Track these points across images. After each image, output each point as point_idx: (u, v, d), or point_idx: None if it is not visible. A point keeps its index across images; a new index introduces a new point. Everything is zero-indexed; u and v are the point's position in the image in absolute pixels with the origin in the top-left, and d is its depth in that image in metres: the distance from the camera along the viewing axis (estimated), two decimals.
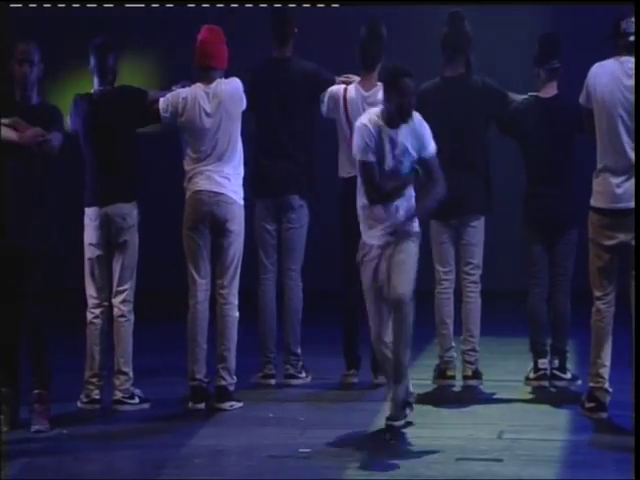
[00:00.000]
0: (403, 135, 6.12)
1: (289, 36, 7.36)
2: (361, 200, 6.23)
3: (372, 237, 6.19)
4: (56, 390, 6.46)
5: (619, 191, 6.36)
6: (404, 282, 6.02)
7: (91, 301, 6.82)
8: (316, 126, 7.43)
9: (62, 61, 9.11)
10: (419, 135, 6.14)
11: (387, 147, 6.09)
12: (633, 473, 5.30)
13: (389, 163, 6.11)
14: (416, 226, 6.19)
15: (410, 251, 6.09)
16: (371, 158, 6.10)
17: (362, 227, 6.25)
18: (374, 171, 6.11)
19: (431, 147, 6.19)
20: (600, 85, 6.41)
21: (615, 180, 6.37)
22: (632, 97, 6.35)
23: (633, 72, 6.29)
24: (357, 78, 7.24)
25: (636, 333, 5.73)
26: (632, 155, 6.34)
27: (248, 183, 7.06)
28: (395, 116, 6.09)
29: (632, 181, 6.34)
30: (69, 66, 9.28)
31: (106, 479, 5.72)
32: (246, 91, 6.88)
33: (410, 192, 6.20)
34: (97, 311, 6.81)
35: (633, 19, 6.44)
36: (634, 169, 5.75)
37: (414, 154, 6.14)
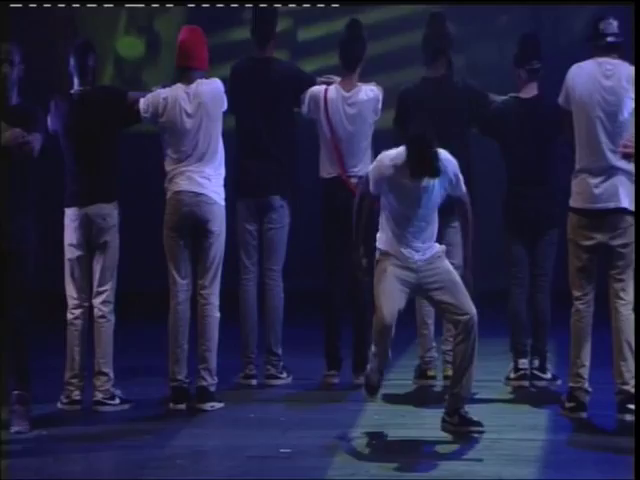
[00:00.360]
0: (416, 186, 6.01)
1: (269, 36, 7.36)
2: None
3: (400, 246, 6.09)
4: (36, 391, 6.44)
5: (597, 191, 6.40)
6: (470, 302, 6.07)
7: (71, 302, 6.81)
8: (297, 127, 7.44)
9: None
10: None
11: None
12: (633, 473, 5.32)
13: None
14: (440, 247, 6.20)
15: (451, 270, 6.12)
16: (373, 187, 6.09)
17: (386, 239, 6.12)
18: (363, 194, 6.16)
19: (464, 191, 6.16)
20: (579, 86, 6.45)
21: (593, 181, 6.41)
22: (610, 98, 6.39)
23: (636, 74, 6.32)
24: (338, 79, 7.25)
25: (636, 333, 5.75)
26: (610, 156, 6.38)
27: (229, 183, 7.06)
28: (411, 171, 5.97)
29: (610, 182, 6.38)
30: None
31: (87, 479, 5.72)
32: (226, 91, 6.89)
33: (436, 227, 6.17)
34: (77, 312, 6.80)
35: (612, 20, 6.47)
36: (634, 170, 5.77)
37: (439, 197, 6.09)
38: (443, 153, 6.05)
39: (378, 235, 6.20)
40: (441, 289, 6.10)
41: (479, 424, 6.12)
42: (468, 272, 6.24)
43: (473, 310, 6.10)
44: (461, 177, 6.19)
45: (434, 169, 5.90)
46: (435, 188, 6.06)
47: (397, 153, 6.06)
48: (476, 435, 6.09)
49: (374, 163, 6.20)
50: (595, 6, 8.01)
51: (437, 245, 6.23)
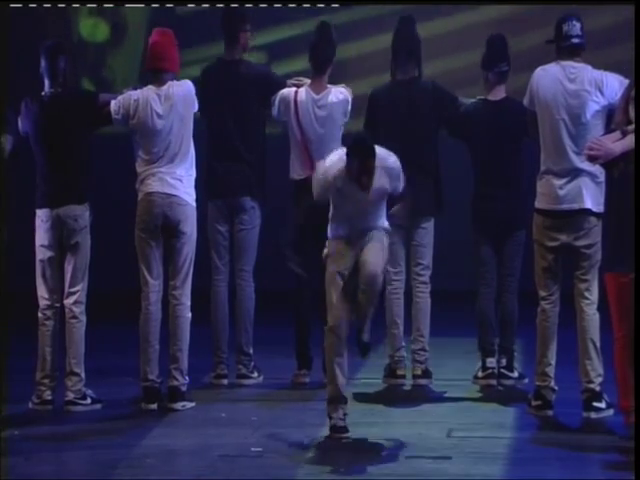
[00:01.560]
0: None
1: (239, 38, 7.39)
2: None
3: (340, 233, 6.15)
4: (7, 391, 6.45)
5: (561, 193, 6.48)
6: (377, 259, 6.03)
7: (42, 302, 6.83)
8: (267, 128, 7.48)
9: None
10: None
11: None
12: (633, 473, 5.38)
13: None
14: (385, 223, 6.20)
15: (380, 239, 6.10)
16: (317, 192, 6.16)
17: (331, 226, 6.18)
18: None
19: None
20: (543, 89, 6.53)
21: (558, 182, 6.49)
22: (574, 101, 6.47)
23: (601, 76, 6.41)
24: (308, 81, 7.30)
25: (636, 334, 5.83)
26: (574, 158, 6.47)
27: (200, 185, 7.09)
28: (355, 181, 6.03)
29: (574, 183, 6.47)
30: None
31: (58, 479, 5.74)
32: (197, 93, 6.92)
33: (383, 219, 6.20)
34: (49, 312, 6.82)
35: (575, 22, 6.55)
36: (634, 171, 5.84)
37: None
38: (390, 160, 6.08)
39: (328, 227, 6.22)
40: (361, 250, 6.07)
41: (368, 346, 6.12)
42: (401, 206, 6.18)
43: (378, 269, 6.03)
44: (402, 182, 6.18)
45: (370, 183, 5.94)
46: (379, 192, 6.08)
47: (338, 159, 6.08)
48: (426, 431, 6.10)
49: (316, 175, 6.19)
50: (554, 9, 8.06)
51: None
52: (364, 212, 6.14)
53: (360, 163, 5.94)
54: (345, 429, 6.09)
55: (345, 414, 6.12)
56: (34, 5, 10.06)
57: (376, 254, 6.07)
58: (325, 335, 6.15)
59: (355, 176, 5.98)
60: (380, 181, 6.05)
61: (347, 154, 6.00)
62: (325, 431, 6.23)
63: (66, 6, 10.32)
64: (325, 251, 6.23)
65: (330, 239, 6.22)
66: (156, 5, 10.04)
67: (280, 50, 9.95)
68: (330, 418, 6.12)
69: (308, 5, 9.97)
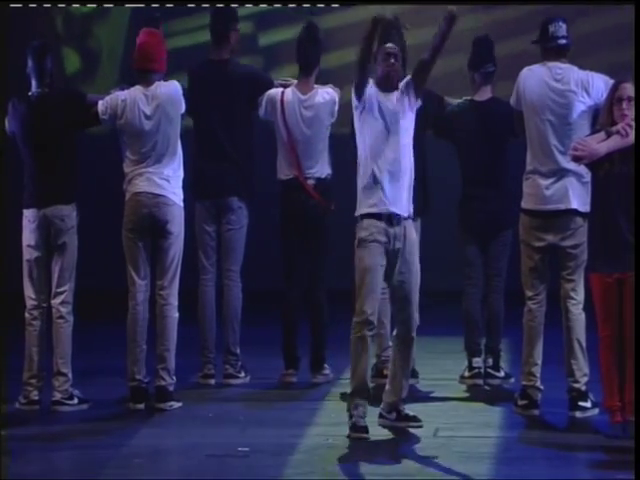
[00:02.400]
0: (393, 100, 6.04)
1: (227, 37, 7.39)
2: (362, 181, 6.08)
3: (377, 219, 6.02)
4: (7, 390, 6.44)
5: (548, 193, 6.51)
6: (417, 311, 6.14)
7: (29, 302, 6.83)
8: (255, 128, 7.49)
9: None
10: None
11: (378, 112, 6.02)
12: (633, 473, 5.41)
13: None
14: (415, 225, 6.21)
15: (417, 265, 6.12)
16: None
17: (364, 205, 6.04)
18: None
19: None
20: (529, 89, 6.56)
21: (544, 182, 6.52)
22: (560, 101, 6.51)
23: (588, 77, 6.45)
24: (295, 81, 7.31)
25: (636, 334, 5.87)
26: (560, 158, 6.50)
27: (188, 185, 7.10)
28: (381, 84, 6.04)
29: (561, 183, 6.50)
30: None
31: (46, 479, 5.74)
32: (184, 93, 6.93)
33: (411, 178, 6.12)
34: (36, 312, 6.82)
35: (561, 23, 6.58)
36: (634, 171, 5.88)
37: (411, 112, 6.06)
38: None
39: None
40: (401, 283, 6.08)
41: (417, 419, 6.19)
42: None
43: (417, 315, 6.15)
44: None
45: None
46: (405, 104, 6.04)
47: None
48: (412, 430, 6.15)
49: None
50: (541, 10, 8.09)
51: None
52: (396, 149, 5.98)
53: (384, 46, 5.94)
54: (365, 429, 6.04)
55: (365, 412, 6.06)
56: (34, 5, 10.04)
57: (415, 295, 6.11)
58: (355, 328, 6.04)
59: (382, 58, 5.94)
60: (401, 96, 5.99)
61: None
62: (312, 430, 6.25)
63: (66, 6, 10.29)
64: (360, 235, 6.04)
65: (362, 219, 6.05)
66: (156, 5, 10.04)
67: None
68: (350, 416, 6.07)
69: (308, 5, 9.97)
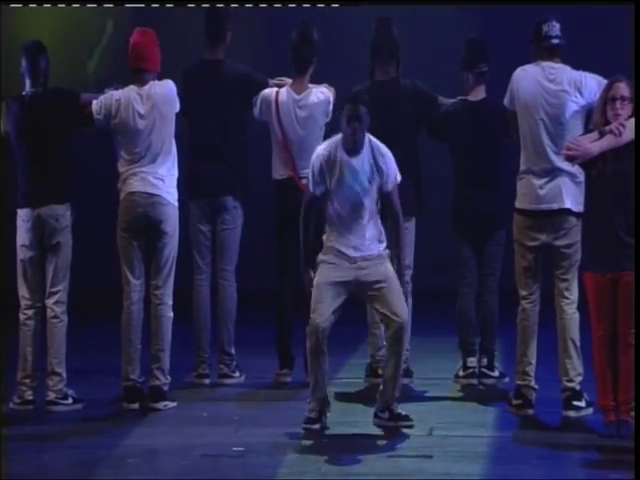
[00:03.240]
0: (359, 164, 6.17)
1: (221, 37, 7.39)
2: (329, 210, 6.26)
3: (340, 245, 6.21)
4: (6, 391, 6.44)
5: (541, 192, 6.52)
6: (404, 307, 6.18)
7: (24, 302, 6.83)
8: (249, 128, 7.49)
9: None
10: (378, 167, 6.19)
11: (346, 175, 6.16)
12: (633, 474, 5.42)
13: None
14: (385, 249, 6.28)
15: (391, 274, 6.19)
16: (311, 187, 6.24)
17: (333, 235, 6.22)
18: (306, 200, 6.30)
19: (397, 174, 6.26)
20: (522, 89, 6.57)
21: (537, 182, 6.53)
22: (553, 101, 6.52)
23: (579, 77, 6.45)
24: (290, 81, 7.31)
25: (636, 334, 5.87)
26: (553, 157, 6.51)
27: (182, 185, 7.10)
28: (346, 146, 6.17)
29: (554, 183, 6.51)
30: None
31: (40, 479, 5.74)
32: (178, 94, 6.93)
33: (378, 224, 6.26)
34: (30, 312, 6.82)
35: (555, 23, 6.59)
36: (634, 171, 5.89)
37: (372, 185, 6.18)
38: (383, 147, 6.22)
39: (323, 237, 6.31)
40: (378, 290, 6.16)
41: (408, 419, 6.23)
42: (402, 280, 6.28)
43: (405, 315, 6.17)
44: (395, 176, 6.27)
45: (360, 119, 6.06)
46: (365, 169, 6.14)
47: (329, 141, 6.25)
48: (407, 430, 6.18)
49: (311, 162, 6.29)
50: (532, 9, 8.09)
51: (382, 247, 6.29)
52: (358, 207, 6.11)
53: (351, 107, 6.08)
54: (313, 420, 6.18)
55: (315, 407, 6.19)
56: (34, 5, 10.02)
57: (399, 297, 6.15)
58: (308, 336, 6.17)
59: (346, 121, 6.05)
60: (370, 157, 6.13)
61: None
62: (307, 431, 6.25)
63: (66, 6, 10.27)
64: (320, 257, 6.25)
65: (325, 250, 6.25)
66: (156, 5, 10.02)
67: None
68: (307, 410, 6.21)
69: (308, 5, 9.98)
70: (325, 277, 6.19)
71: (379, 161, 6.22)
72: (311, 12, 9.75)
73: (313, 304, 6.17)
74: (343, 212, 6.21)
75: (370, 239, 6.24)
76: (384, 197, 6.29)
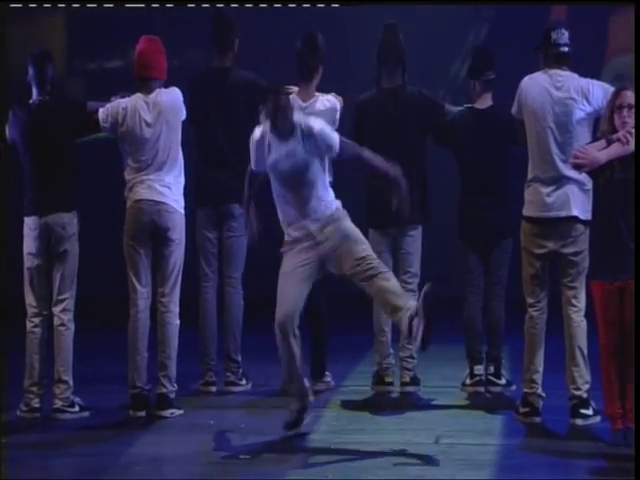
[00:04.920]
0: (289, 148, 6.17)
1: (229, 45, 7.40)
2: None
3: (294, 230, 6.22)
4: (7, 398, 6.45)
5: (549, 200, 6.51)
6: (367, 248, 6.13)
7: (31, 310, 6.84)
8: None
9: None
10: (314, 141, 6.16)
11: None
12: (634, 474, 5.43)
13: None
14: (336, 208, 6.22)
15: (349, 227, 6.16)
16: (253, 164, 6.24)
17: (282, 223, 6.27)
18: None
19: (334, 144, 6.18)
20: (530, 97, 6.57)
21: (545, 190, 6.53)
22: (561, 109, 6.52)
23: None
24: (296, 89, 7.32)
25: (636, 341, 5.87)
26: (561, 165, 6.50)
27: (189, 192, 7.11)
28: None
29: (562, 191, 6.51)
30: None
31: None
32: (185, 102, 6.94)
33: (322, 193, 6.21)
34: (37, 320, 6.82)
35: (564, 30, 6.59)
36: (632, 168, 5.88)
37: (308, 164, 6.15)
38: (312, 127, 6.18)
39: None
40: (339, 255, 6.12)
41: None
42: (404, 203, 6.17)
43: (376, 262, 6.11)
44: (334, 139, 6.18)
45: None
46: (298, 151, 6.14)
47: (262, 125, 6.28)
48: (414, 438, 6.19)
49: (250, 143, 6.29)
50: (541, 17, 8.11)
51: (334, 206, 6.23)
52: (296, 186, 6.13)
53: (274, 100, 6.12)
54: (295, 425, 6.21)
55: (298, 407, 6.22)
56: (34, 5, 10.03)
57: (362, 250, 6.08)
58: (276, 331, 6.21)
59: (271, 115, 6.11)
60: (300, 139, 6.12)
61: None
62: (313, 438, 6.25)
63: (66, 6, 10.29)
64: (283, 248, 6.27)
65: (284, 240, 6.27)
66: (156, 5, 10.02)
67: None
68: (289, 413, 6.24)
69: (308, 5, 9.98)
70: (286, 266, 6.20)
71: (310, 141, 6.16)
72: (311, 12, 9.77)
73: (277, 296, 6.20)
74: (282, 191, 6.20)
75: (314, 205, 6.16)
76: (341, 158, 6.23)
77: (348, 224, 6.22)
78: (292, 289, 6.12)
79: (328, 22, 9.52)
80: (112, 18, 9.12)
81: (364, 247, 6.17)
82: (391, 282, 6.12)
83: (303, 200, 6.18)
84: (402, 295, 6.15)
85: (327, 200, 6.24)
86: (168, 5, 10.03)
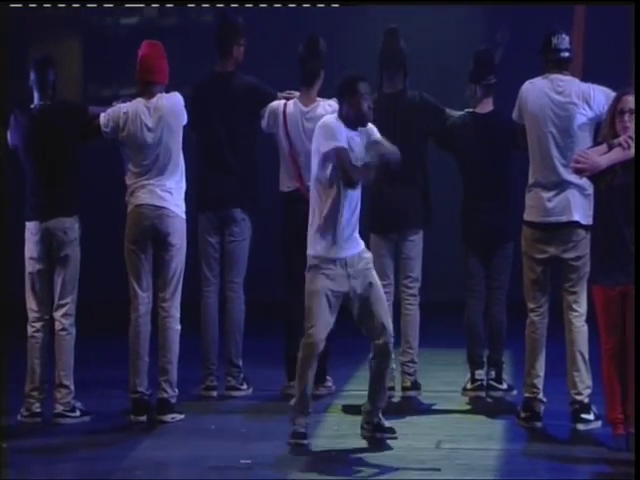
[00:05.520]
0: (359, 141, 6.17)
1: (231, 50, 7.40)
2: (324, 210, 6.19)
3: (335, 251, 6.18)
4: (7, 402, 6.44)
5: (550, 205, 6.51)
6: (390, 323, 6.20)
7: (32, 315, 6.83)
8: (258, 141, 7.50)
9: None
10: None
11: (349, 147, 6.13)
12: (634, 474, 5.44)
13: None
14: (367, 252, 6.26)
15: (379, 286, 6.20)
16: (343, 143, 6.12)
17: (320, 241, 6.20)
18: (348, 155, 6.10)
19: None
20: (531, 102, 6.57)
21: (546, 194, 6.53)
22: (562, 114, 6.52)
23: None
24: (298, 94, 7.32)
25: (636, 338, 5.88)
26: (562, 170, 6.51)
27: (191, 197, 7.11)
28: (354, 120, 6.16)
29: (563, 195, 6.51)
30: None
31: None
32: (187, 106, 6.94)
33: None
34: (38, 325, 6.82)
35: (564, 35, 6.59)
36: (633, 173, 5.89)
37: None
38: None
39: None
40: (365, 301, 6.15)
41: (392, 431, 6.24)
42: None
43: (391, 330, 6.19)
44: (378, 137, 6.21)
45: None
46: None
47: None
48: (415, 442, 6.19)
49: (322, 132, 6.16)
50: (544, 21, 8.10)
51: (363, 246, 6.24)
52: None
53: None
54: (304, 435, 6.16)
55: (307, 423, 6.19)
56: (34, 5, 10.04)
57: (386, 312, 6.18)
58: (303, 348, 6.18)
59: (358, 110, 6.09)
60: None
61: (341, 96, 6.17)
62: (314, 443, 6.25)
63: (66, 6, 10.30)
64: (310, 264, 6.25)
65: (314, 254, 6.24)
66: (156, 5, 10.02)
67: None
68: (293, 424, 6.18)
69: (308, 5, 9.98)
70: (321, 285, 6.15)
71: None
72: (311, 12, 9.78)
73: (312, 314, 6.15)
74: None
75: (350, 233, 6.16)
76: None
77: (374, 272, 6.25)
78: (329, 315, 6.17)
79: (328, 22, 9.55)
80: (128, 44, 9.11)
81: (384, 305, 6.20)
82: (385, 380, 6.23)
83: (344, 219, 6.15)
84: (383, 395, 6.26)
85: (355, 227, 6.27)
86: (168, 5, 10.02)
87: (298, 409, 6.18)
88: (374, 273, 6.23)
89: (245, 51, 7.44)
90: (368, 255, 6.26)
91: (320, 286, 6.15)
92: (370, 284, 6.17)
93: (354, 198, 6.16)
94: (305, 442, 6.16)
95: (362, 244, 6.26)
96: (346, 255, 6.16)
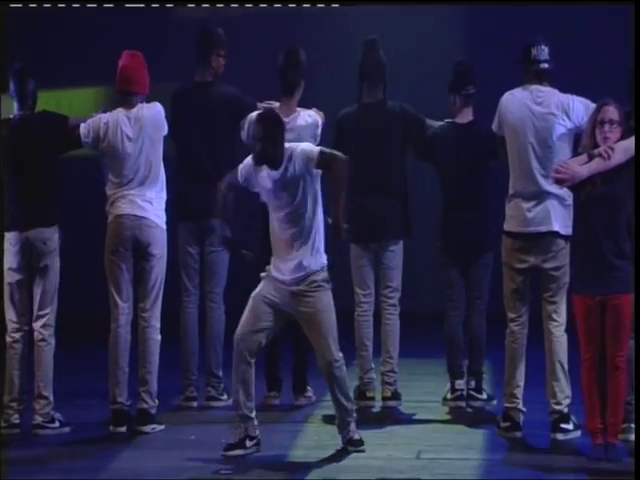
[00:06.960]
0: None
1: (209, 60, 7.41)
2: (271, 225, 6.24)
3: (281, 273, 6.19)
4: None
5: (530, 215, 6.54)
6: (332, 345, 6.15)
7: (11, 325, 6.81)
8: (238, 150, 7.49)
9: None
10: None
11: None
12: (634, 475, 5.45)
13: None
14: (324, 273, 6.18)
15: (325, 306, 6.14)
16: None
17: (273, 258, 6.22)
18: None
19: (314, 155, 6.12)
20: (511, 113, 6.60)
21: (526, 205, 6.55)
22: (541, 125, 6.54)
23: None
24: (278, 104, 7.32)
25: (636, 339, 5.89)
26: (542, 181, 6.53)
27: (171, 207, 7.10)
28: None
29: (543, 206, 6.53)
30: None
31: None
32: (167, 116, 6.93)
33: (314, 225, 6.16)
34: (17, 335, 6.80)
35: (544, 46, 6.62)
36: (634, 174, 5.91)
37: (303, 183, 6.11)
38: (295, 145, 6.16)
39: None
40: (309, 323, 6.15)
41: (360, 443, 6.24)
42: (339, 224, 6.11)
43: (333, 354, 6.16)
44: (312, 150, 6.14)
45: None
46: (288, 179, 6.11)
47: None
48: (395, 452, 6.19)
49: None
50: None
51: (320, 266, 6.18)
52: (285, 216, 6.07)
53: (261, 129, 6.08)
54: (232, 446, 6.17)
55: (246, 433, 6.18)
56: (34, 5, 10.01)
57: (332, 338, 6.13)
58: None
59: (256, 143, 6.06)
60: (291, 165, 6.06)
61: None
62: (294, 453, 6.24)
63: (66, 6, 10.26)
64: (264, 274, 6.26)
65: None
66: (156, 5, 9.99)
67: None
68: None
69: (308, 5, 9.98)
70: (260, 289, 6.21)
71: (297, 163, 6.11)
72: (312, 12, 9.78)
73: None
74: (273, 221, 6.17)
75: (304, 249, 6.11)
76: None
77: (326, 296, 6.17)
78: (260, 316, 6.19)
79: (328, 22, 9.56)
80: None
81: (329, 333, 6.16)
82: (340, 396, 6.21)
83: (290, 244, 6.14)
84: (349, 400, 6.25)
85: (315, 247, 6.19)
86: (168, 5, 9.99)
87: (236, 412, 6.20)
88: (322, 295, 6.13)
89: (226, 62, 7.44)
90: (319, 277, 6.15)
91: (259, 289, 6.20)
92: (314, 308, 6.10)
93: (283, 220, 6.10)
94: (233, 453, 6.12)
95: (314, 265, 6.14)
96: (285, 279, 6.15)
